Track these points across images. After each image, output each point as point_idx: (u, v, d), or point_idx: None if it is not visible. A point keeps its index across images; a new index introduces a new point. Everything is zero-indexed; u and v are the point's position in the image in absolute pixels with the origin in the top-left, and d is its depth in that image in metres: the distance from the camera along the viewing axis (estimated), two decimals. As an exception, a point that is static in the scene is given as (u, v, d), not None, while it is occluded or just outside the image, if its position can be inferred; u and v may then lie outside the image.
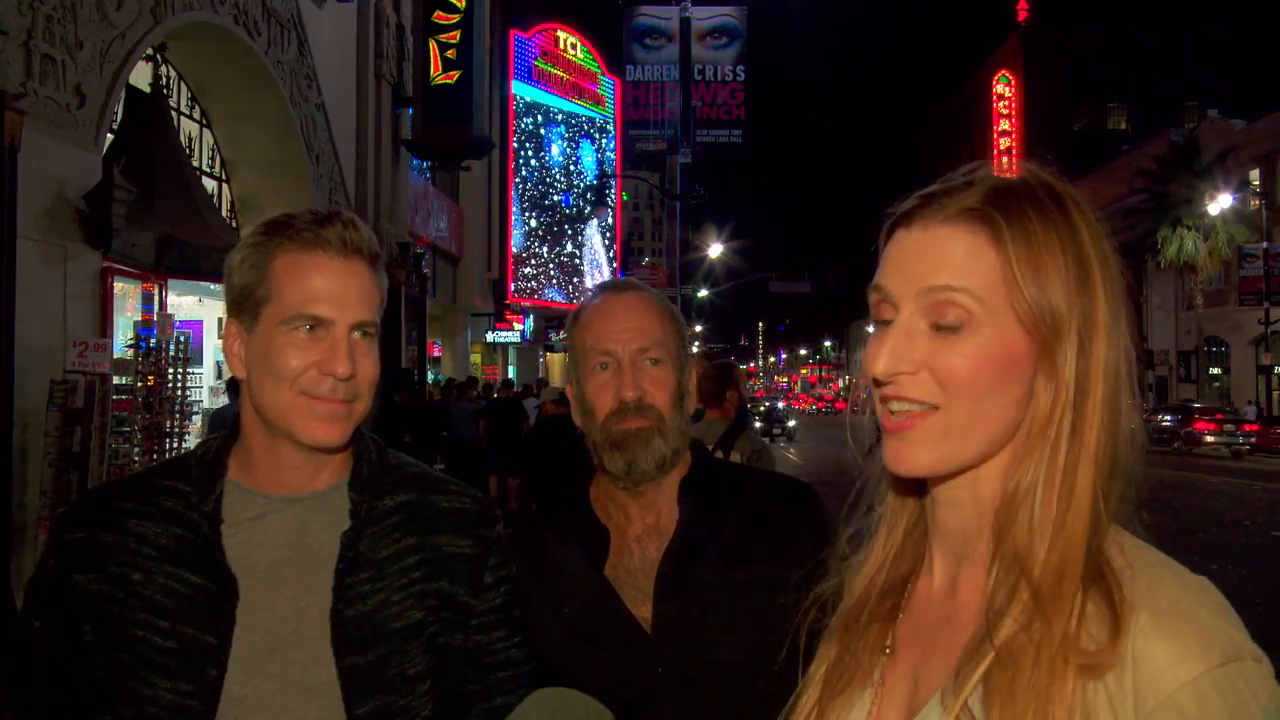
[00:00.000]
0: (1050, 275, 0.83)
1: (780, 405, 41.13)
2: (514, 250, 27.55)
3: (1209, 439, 26.90)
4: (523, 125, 28.13)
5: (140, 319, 8.44)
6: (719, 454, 4.00)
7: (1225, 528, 12.89)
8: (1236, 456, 26.19)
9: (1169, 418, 28.20)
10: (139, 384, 7.51)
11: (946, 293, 0.84)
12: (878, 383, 0.88)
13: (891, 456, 0.88)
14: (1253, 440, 26.65)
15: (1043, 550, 0.81)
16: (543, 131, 29.19)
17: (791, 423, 36.40)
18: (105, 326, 7.90)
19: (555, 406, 9.87)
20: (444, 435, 13.05)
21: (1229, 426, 27.08)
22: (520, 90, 27.84)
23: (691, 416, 1.58)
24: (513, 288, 27.16)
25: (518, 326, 26.82)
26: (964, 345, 0.84)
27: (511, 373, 28.25)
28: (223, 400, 9.69)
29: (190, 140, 11.19)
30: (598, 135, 32.18)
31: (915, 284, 0.86)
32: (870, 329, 0.93)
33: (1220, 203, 31.19)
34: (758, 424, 30.26)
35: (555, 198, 29.95)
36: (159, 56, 9.69)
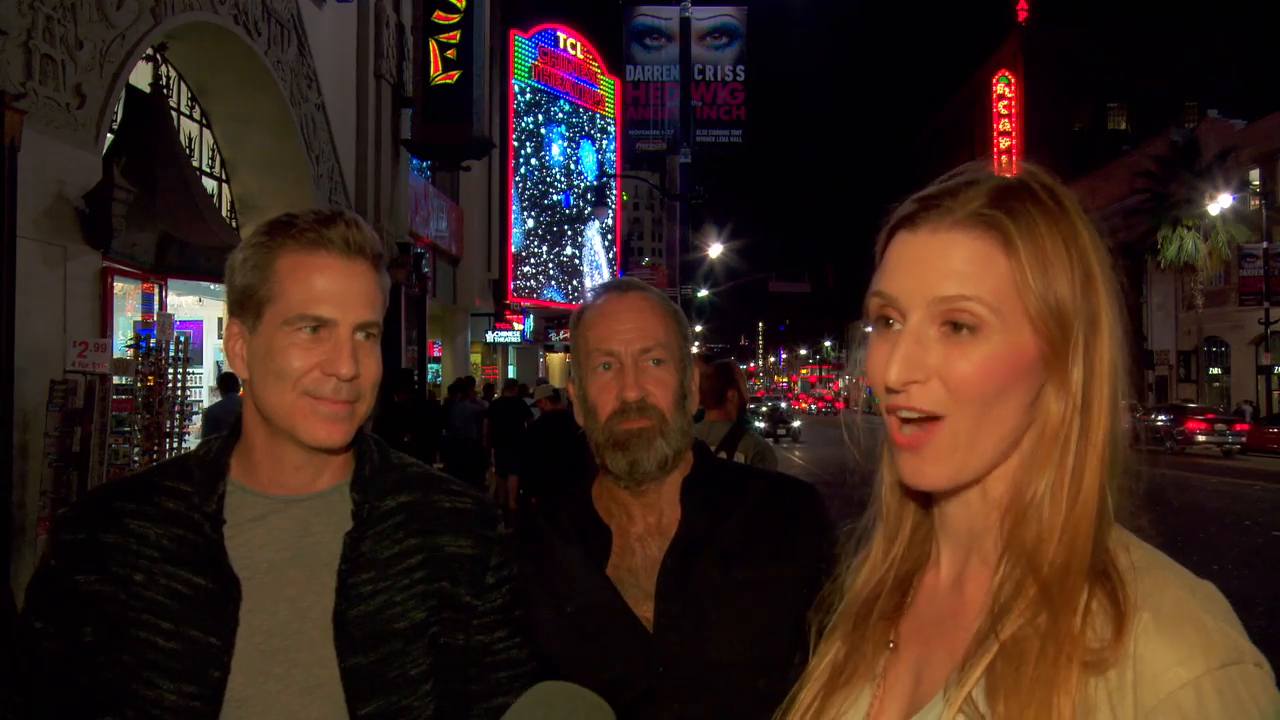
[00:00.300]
0: (1058, 278, 0.83)
1: (783, 405, 40.93)
2: (514, 250, 27.54)
3: (1201, 438, 27.30)
4: (523, 125, 28.12)
5: (140, 319, 8.44)
6: (722, 455, 3.99)
7: (1225, 528, 12.89)
8: (1227, 455, 26.58)
9: (1163, 417, 28.60)
10: (139, 384, 7.51)
11: (960, 301, 0.84)
12: (888, 390, 0.87)
13: (908, 472, 0.88)
14: (1243, 440, 27.05)
15: (1051, 548, 0.82)
16: (543, 131, 29.18)
17: (796, 423, 36.07)
18: (105, 326, 7.90)
19: (550, 404, 9.91)
20: (443, 434, 13.07)
21: (1220, 426, 27.51)
22: (520, 90, 27.83)
23: (693, 417, 1.58)
24: (512, 287, 27.15)
25: (518, 326, 26.82)
26: (975, 353, 0.83)
27: (512, 373, 28.25)
28: (219, 399, 9.69)
29: (190, 140, 11.19)
30: (598, 136, 32.16)
31: (925, 291, 0.85)
32: (868, 329, 0.93)
33: (1220, 203, 31.19)
34: (761, 425, 30.15)
35: (555, 197, 29.94)
36: (159, 56, 9.68)
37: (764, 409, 35.99)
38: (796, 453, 22.83)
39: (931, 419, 0.85)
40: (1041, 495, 0.83)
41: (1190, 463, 23.73)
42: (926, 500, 0.97)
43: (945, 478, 0.86)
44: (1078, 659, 0.77)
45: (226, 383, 9.51)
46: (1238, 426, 27.59)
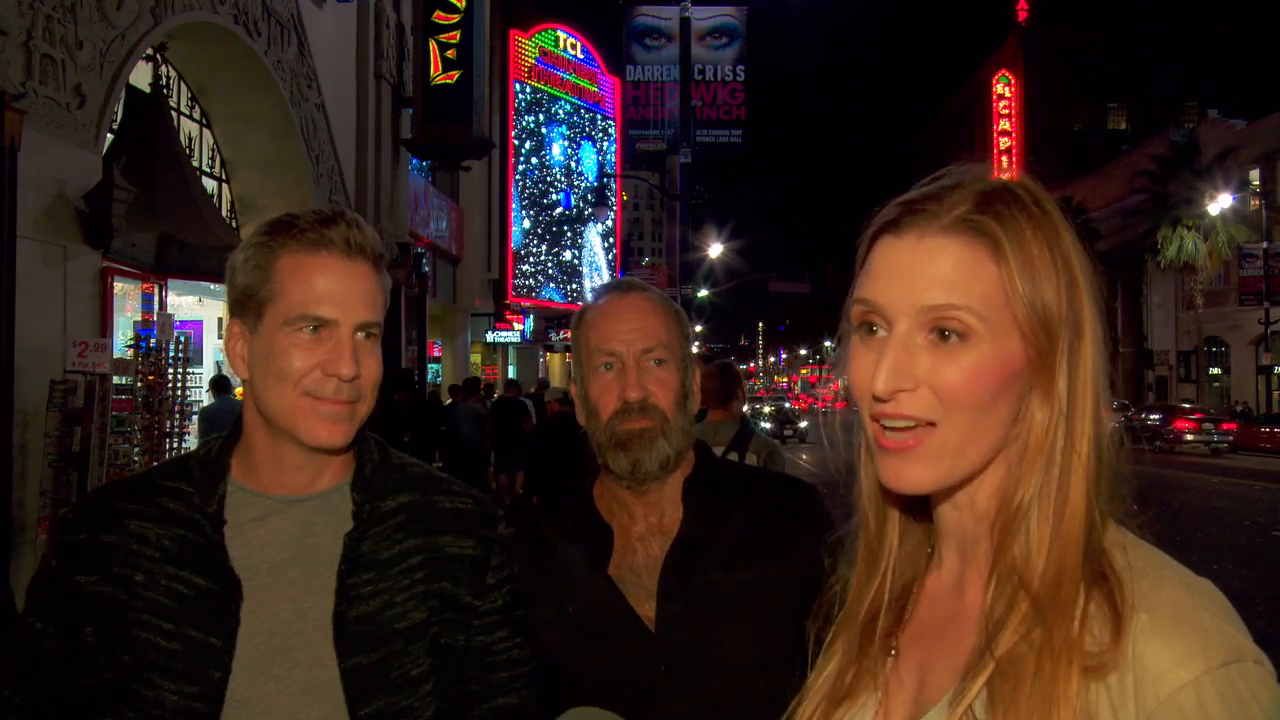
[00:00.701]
0: (1045, 284, 0.83)
1: (787, 405, 40.55)
2: (514, 250, 27.53)
3: (1189, 437, 28.04)
4: (524, 124, 28.09)
5: (140, 319, 8.44)
6: (733, 456, 4.00)
7: (1225, 527, 12.89)
8: (1215, 454, 27.21)
9: (1154, 416, 29.35)
10: (139, 384, 7.51)
11: (949, 310, 0.83)
12: (875, 399, 0.86)
13: (891, 475, 0.86)
14: (1230, 439, 27.81)
15: (1040, 562, 0.81)
16: (544, 130, 29.16)
17: (803, 424, 35.10)
18: (105, 326, 7.90)
19: (559, 405, 9.96)
20: (442, 431, 13.09)
21: (1207, 425, 28.30)
22: (520, 89, 27.82)
23: (694, 417, 1.58)
24: (512, 287, 27.13)
25: (518, 326, 26.79)
26: (964, 360, 0.83)
27: (512, 373, 28.23)
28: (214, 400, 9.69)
29: (190, 140, 11.19)
30: (599, 137, 32.14)
31: (913, 299, 0.84)
32: (855, 336, 0.90)
33: (1220, 203, 31.22)
34: (767, 426, 29.92)
35: (555, 197, 29.91)
36: (159, 56, 9.68)
37: (767, 409, 35.66)
38: (803, 455, 22.71)
39: (920, 426, 0.84)
40: (1028, 505, 0.83)
41: (1178, 461, 24.18)
42: (911, 507, 0.96)
43: (930, 481, 0.85)
44: (1077, 664, 0.76)
45: (220, 385, 9.52)
46: (1224, 426, 28.39)
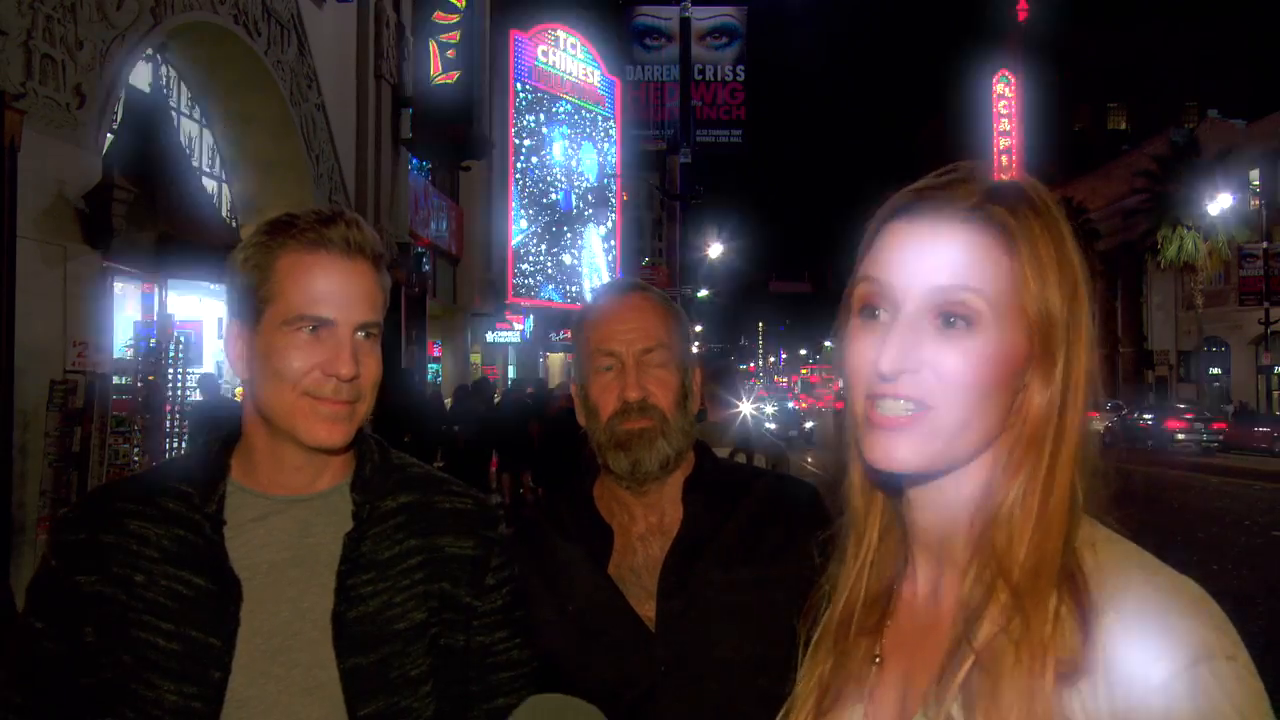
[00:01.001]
0: (1051, 280, 0.84)
1: (790, 405, 40.25)
2: (514, 250, 27.52)
3: (1180, 437, 28.48)
4: (524, 124, 28.08)
5: (140, 319, 8.44)
6: (740, 458, 4.00)
7: (1225, 527, 12.90)
8: (1206, 453, 27.52)
9: (1147, 416, 29.86)
10: (139, 384, 7.51)
11: (959, 292, 0.83)
12: (880, 378, 0.86)
13: (879, 452, 0.86)
14: (1220, 438, 28.21)
15: (1022, 550, 0.81)
16: (544, 130, 29.16)
17: (809, 424, 34.25)
18: (105, 326, 7.89)
19: (568, 401, 9.97)
20: (442, 431, 13.10)
21: (1198, 425, 28.75)
22: (520, 89, 27.81)
23: (694, 417, 1.58)
24: (512, 287, 27.12)
25: (518, 326, 26.78)
26: (969, 345, 0.83)
27: (512, 372, 28.23)
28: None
29: (190, 140, 11.19)
30: (600, 139, 32.12)
31: (923, 281, 0.85)
32: (856, 319, 0.90)
33: (1220, 203, 31.24)
34: (772, 426, 29.76)
35: (555, 196, 29.91)
36: (159, 56, 9.68)
37: (770, 409, 35.36)
38: (809, 457, 22.62)
39: (917, 409, 0.84)
40: (1015, 498, 0.83)
41: (1171, 460, 24.37)
42: (895, 500, 0.96)
43: (917, 462, 0.85)
44: (1052, 667, 0.76)
45: (206, 383, 9.51)
46: (1215, 425, 28.80)
